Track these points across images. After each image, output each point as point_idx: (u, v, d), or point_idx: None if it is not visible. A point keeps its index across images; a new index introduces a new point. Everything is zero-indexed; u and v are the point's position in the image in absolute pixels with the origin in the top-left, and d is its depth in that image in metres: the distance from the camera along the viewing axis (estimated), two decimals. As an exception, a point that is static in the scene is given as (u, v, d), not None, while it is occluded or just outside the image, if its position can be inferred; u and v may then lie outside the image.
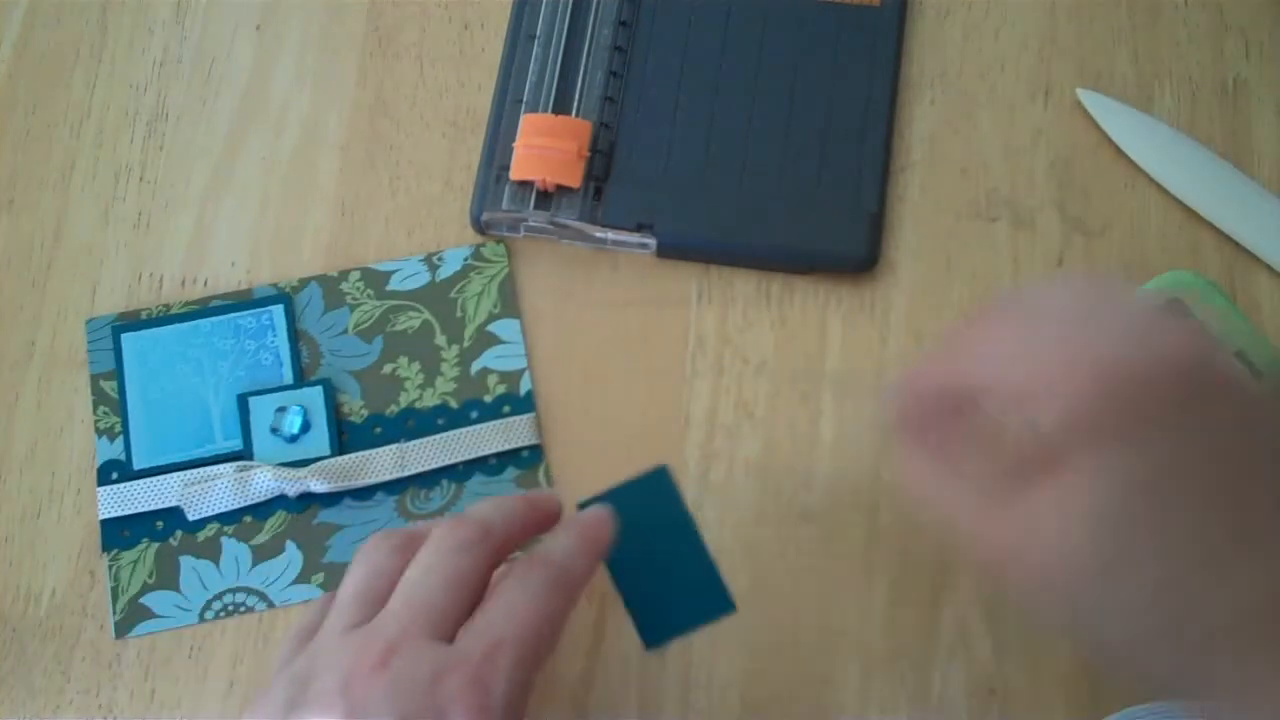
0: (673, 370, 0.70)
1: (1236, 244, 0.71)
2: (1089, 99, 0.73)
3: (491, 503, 0.57)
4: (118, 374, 0.70)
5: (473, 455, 0.68)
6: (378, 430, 0.69)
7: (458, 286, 0.71)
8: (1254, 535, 0.45)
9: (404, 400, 0.70)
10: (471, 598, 0.53)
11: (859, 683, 0.65)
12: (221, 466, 0.68)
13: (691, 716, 0.64)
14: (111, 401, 0.70)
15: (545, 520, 0.59)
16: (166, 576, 0.67)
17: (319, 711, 0.50)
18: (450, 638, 0.52)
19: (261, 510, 0.68)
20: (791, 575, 0.67)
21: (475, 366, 0.70)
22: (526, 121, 0.72)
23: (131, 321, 0.71)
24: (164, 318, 0.71)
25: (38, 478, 0.70)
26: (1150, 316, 0.48)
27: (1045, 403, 0.46)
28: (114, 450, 0.69)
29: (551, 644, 0.54)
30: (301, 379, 0.70)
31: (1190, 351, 0.46)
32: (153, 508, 0.68)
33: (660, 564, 0.59)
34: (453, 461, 0.68)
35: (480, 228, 0.72)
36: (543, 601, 0.53)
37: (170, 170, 0.75)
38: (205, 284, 0.73)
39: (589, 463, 0.68)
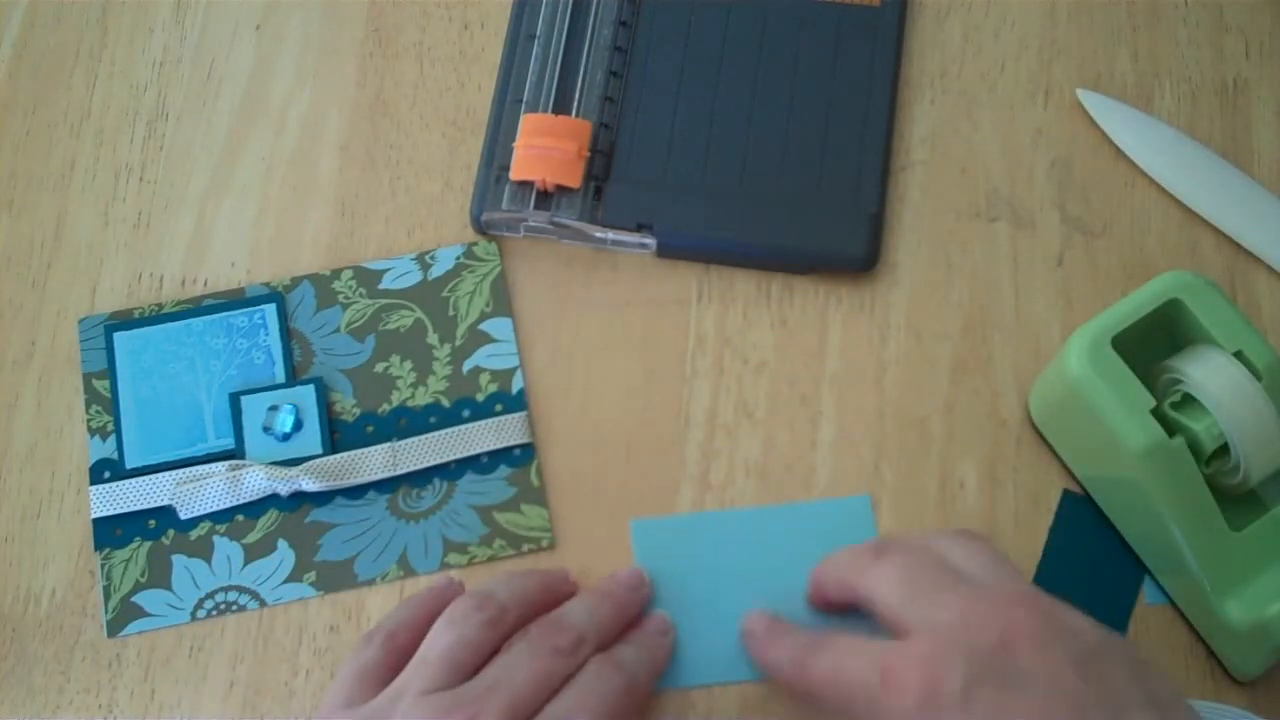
0: (673, 370, 0.70)
1: (1236, 244, 0.71)
2: (1089, 99, 0.73)
3: (588, 608, 0.61)
4: (110, 373, 0.70)
5: (465, 454, 0.68)
6: (370, 429, 0.69)
7: (450, 285, 0.71)
8: None
9: (396, 399, 0.69)
10: (550, 697, 0.57)
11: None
12: (213, 465, 0.68)
13: (691, 716, 0.64)
14: (104, 400, 0.70)
15: (630, 625, 0.63)
16: (159, 575, 0.67)
17: None
18: None
19: (253, 509, 0.68)
20: (789, 576, 0.67)
21: (467, 365, 0.70)
22: (526, 121, 0.71)
23: (124, 320, 0.71)
24: (156, 317, 0.71)
25: (38, 478, 0.70)
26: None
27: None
28: (106, 449, 0.69)
29: None
30: (293, 378, 0.70)
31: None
32: (145, 506, 0.68)
33: None
34: (445, 460, 0.68)
35: (480, 228, 0.72)
36: (611, 703, 0.57)
37: (170, 170, 0.75)
38: (205, 284, 0.73)
39: (590, 463, 0.69)
